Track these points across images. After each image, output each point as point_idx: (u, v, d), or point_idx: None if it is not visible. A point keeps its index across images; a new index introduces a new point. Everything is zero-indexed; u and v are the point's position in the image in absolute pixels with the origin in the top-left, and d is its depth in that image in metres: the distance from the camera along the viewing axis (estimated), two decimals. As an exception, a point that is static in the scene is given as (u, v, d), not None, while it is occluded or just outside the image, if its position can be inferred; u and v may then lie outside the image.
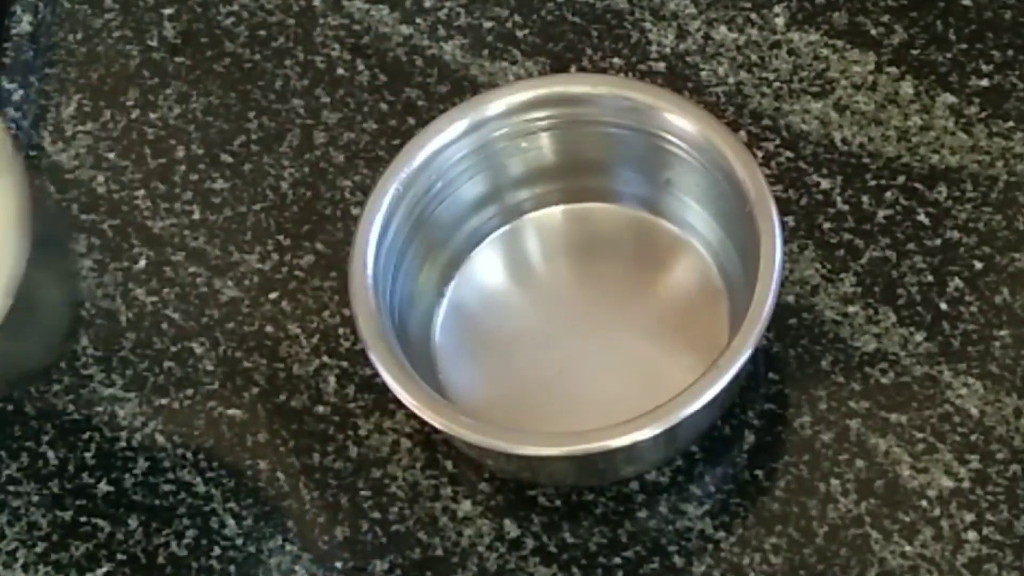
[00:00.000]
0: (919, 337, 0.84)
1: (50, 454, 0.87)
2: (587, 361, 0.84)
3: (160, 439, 0.87)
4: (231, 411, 0.87)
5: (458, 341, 0.85)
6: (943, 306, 0.85)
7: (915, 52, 0.92)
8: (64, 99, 0.98)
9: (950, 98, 0.90)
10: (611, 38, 0.95)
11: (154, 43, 0.99)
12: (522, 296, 0.86)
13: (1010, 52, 0.91)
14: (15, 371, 0.88)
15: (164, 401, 0.88)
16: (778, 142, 0.90)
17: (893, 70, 0.91)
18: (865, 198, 0.88)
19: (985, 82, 0.90)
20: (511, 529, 0.83)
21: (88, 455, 0.87)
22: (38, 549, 0.85)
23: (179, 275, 0.91)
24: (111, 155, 0.96)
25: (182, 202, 0.93)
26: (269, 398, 0.87)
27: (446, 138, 0.83)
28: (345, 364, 0.87)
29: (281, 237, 0.92)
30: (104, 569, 0.85)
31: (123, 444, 0.87)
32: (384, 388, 0.78)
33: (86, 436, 0.88)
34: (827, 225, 0.88)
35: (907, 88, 0.91)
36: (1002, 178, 0.88)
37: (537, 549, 0.82)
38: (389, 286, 0.81)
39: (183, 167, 0.94)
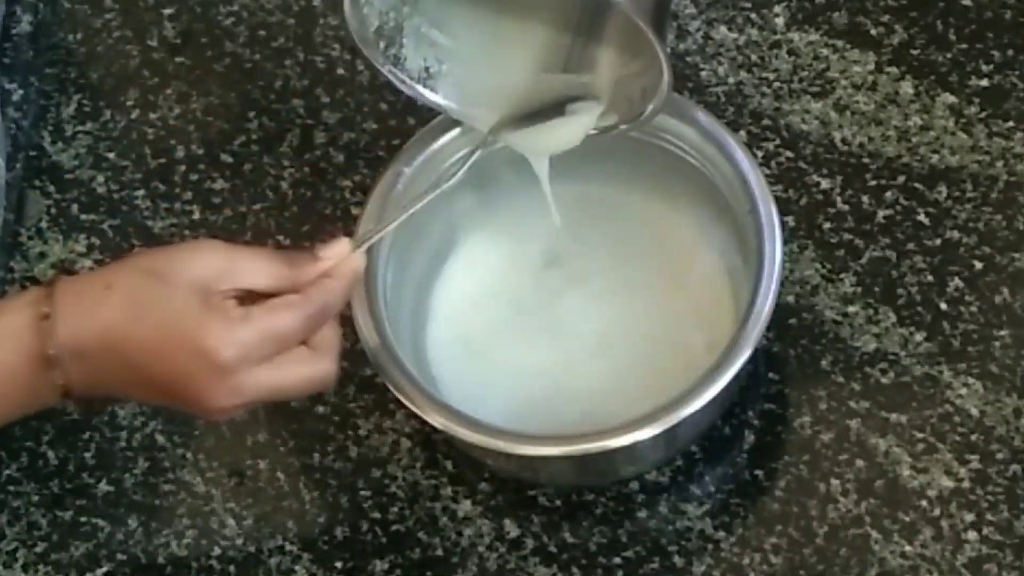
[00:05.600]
0: (919, 337, 0.84)
1: (50, 454, 0.87)
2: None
3: (160, 439, 0.87)
4: (231, 411, 0.87)
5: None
6: (943, 306, 0.85)
7: (915, 52, 0.92)
8: (64, 99, 0.98)
9: (950, 98, 0.90)
10: (611, 38, 0.95)
11: (154, 43, 0.99)
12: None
13: (1010, 52, 0.91)
14: None
15: (164, 401, 0.88)
16: (778, 142, 0.90)
17: (893, 70, 0.91)
18: (865, 198, 0.88)
19: (985, 82, 0.90)
20: (511, 529, 0.83)
21: (88, 455, 0.87)
22: (38, 549, 0.85)
23: (179, 275, 0.91)
24: (111, 155, 0.96)
25: (182, 202, 0.93)
26: (269, 398, 0.87)
27: (446, 138, 0.83)
28: (345, 364, 0.87)
29: (281, 237, 0.92)
30: (104, 569, 0.85)
31: (123, 444, 0.87)
32: (384, 388, 0.78)
33: (86, 436, 0.88)
34: (827, 225, 0.87)
35: (907, 88, 0.91)
36: (1002, 178, 0.88)
37: (537, 549, 0.82)
38: (389, 285, 0.81)
39: (183, 167, 0.94)
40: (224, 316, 0.68)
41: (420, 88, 0.80)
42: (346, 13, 0.75)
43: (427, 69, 0.79)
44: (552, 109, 0.80)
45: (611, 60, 0.79)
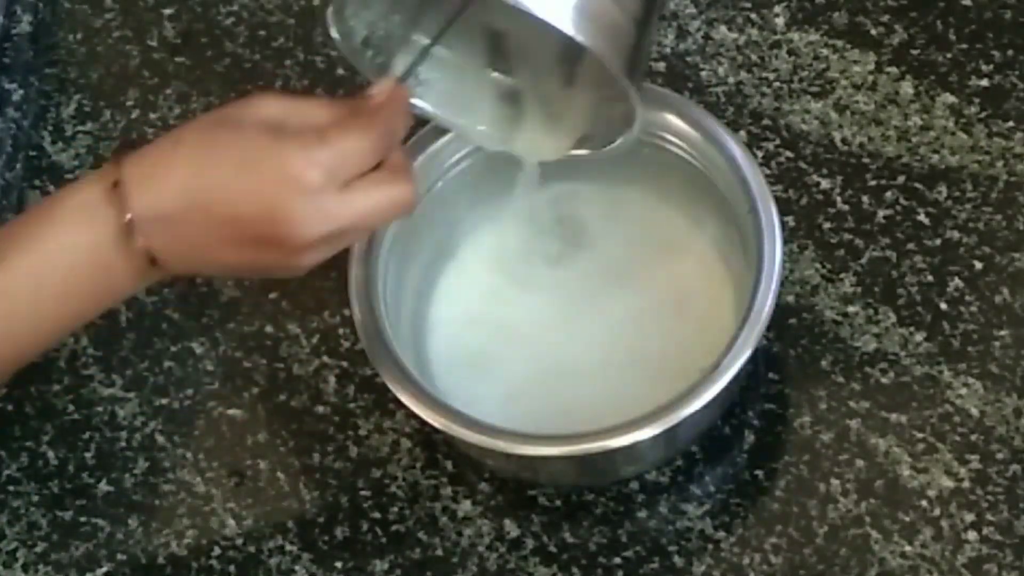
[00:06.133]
0: (919, 337, 0.84)
1: (50, 454, 0.87)
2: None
3: (160, 439, 0.87)
4: (231, 411, 0.87)
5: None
6: (943, 306, 0.85)
7: (915, 52, 0.92)
8: (64, 99, 0.98)
9: (950, 98, 0.90)
10: (611, 38, 0.95)
11: (154, 43, 0.99)
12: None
13: (1010, 52, 0.91)
14: None
15: (164, 401, 0.88)
16: (778, 142, 0.90)
17: (893, 70, 0.91)
18: (865, 198, 0.88)
19: (985, 82, 0.90)
20: (511, 529, 0.83)
21: (88, 455, 0.87)
22: (38, 549, 0.85)
23: (179, 275, 0.91)
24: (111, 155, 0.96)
25: (182, 202, 0.93)
26: (269, 398, 0.87)
27: (446, 138, 0.82)
28: (345, 364, 0.87)
29: (281, 237, 0.92)
30: (104, 569, 0.85)
31: (123, 444, 0.87)
32: (384, 388, 0.78)
33: (86, 436, 0.88)
34: (827, 225, 0.88)
35: (907, 88, 0.91)
36: (1002, 178, 0.88)
37: (537, 549, 0.82)
38: (389, 286, 0.81)
39: (183, 167, 0.94)
40: (301, 140, 0.68)
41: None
42: (329, 24, 0.74)
43: (416, 78, 0.79)
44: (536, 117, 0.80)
45: (592, 82, 0.79)
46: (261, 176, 0.68)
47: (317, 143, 0.68)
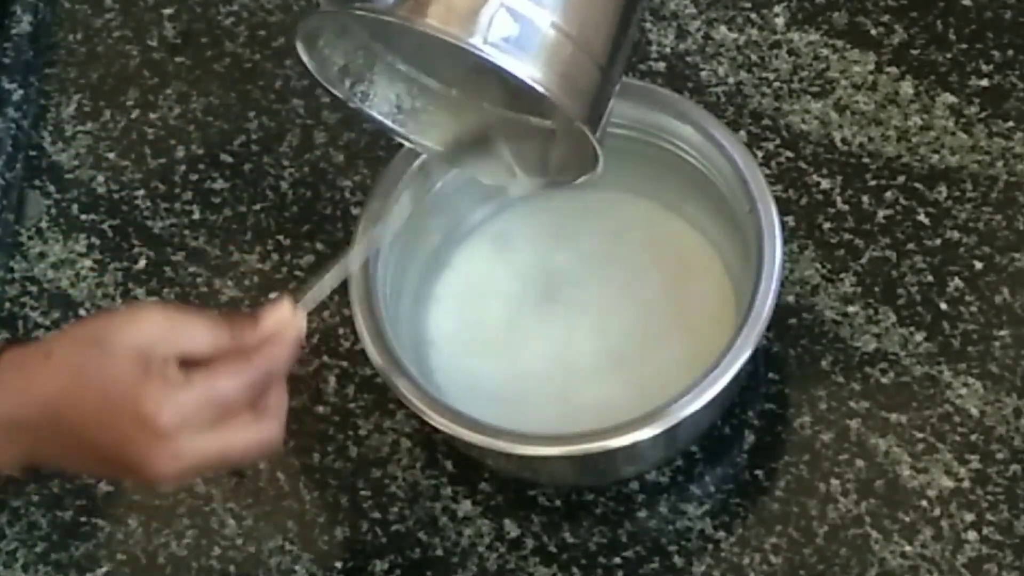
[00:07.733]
0: (919, 337, 0.84)
1: (50, 454, 0.87)
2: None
3: (160, 439, 0.87)
4: (231, 411, 0.87)
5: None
6: (943, 306, 0.85)
7: (915, 52, 0.92)
8: (64, 99, 0.98)
9: (950, 98, 0.90)
10: (611, 38, 0.95)
11: (154, 43, 0.99)
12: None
13: (1010, 52, 0.91)
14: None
15: (164, 401, 0.88)
16: (778, 142, 0.90)
17: (893, 70, 0.91)
18: (865, 198, 0.88)
19: (985, 82, 0.90)
20: (511, 529, 0.83)
21: (88, 455, 0.87)
22: (38, 549, 0.85)
23: (179, 275, 0.91)
24: (111, 155, 0.96)
25: (182, 202, 0.93)
26: (269, 398, 0.87)
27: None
28: (345, 364, 0.87)
29: (281, 237, 0.92)
30: (104, 569, 0.85)
31: (123, 444, 0.87)
32: (384, 388, 0.78)
33: (86, 436, 0.88)
34: (827, 225, 0.88)
35: (907, 88, 0.91)
36: (1002, 178, 0.88)
37: (537, 549, 0.82)
38: (389, 286, 0.81)
39: (183, 167, 0.94)
40: (163, 381, 0.67)
41: (389, 123, 0.78)
42: (302, 55, 0.73)
43: (398, 107, 0.78)
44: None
45: (565, 118, 0.78)
46: (119, 412, 0.67)
47: (180, 386, 0.67)
